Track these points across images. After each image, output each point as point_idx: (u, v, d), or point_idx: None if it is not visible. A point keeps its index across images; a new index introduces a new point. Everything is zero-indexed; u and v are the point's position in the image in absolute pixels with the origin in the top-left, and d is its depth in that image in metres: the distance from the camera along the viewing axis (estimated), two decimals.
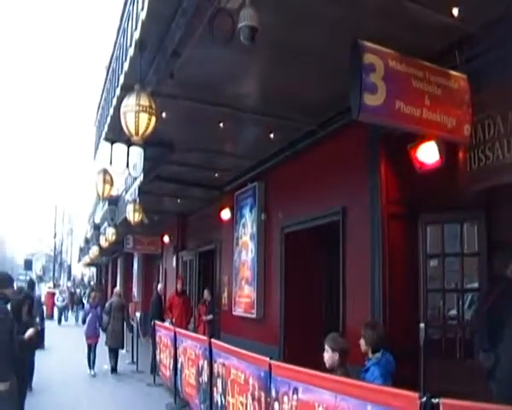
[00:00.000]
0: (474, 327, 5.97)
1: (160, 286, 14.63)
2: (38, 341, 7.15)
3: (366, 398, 3.59)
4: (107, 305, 13.85)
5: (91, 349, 12.99)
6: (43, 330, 14.04)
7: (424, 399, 2.94)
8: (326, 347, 4.83)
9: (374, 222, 6.66)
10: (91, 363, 12.88)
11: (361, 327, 5.15)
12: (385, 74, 4.40)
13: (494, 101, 5.24)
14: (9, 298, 6.11)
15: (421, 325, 6.19)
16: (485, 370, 5.13)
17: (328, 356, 4.81)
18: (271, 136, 8.36)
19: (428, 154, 6.19)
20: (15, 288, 6.47)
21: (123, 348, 13.85)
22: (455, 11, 4.74)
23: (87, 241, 34.59)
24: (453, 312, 6.68)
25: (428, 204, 6.57)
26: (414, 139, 6.11)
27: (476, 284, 6.40)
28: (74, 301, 31.74)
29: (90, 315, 13.60)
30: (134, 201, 12.03)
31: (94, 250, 26.56)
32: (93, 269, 53.56)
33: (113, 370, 13.02)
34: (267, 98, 7.09)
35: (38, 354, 9.72)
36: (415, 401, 3.02)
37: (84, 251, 39.41)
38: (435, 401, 2.89)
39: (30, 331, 6.27)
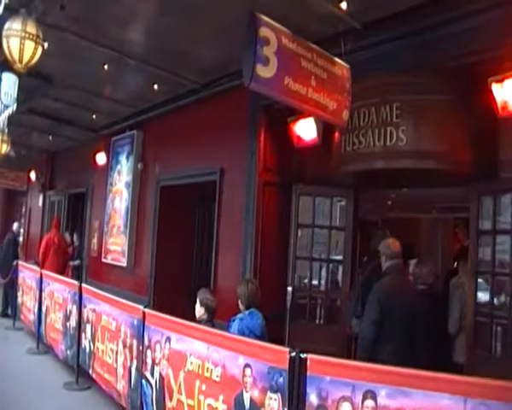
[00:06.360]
0: (350, 295, 6.46)
1: (15, 225, 13.24)
2: None
3: (238, 350, 3.85)
4: None
5: None
6: None
7: (294, 354, 3.30)
8: (197, 299, 5.10)
9: (250, 186, 6.94)
10: None
11: (231, 286, 5.44)
12: (277, 50, 4.46)
13: (370, 93, 5.78)
14: None
15: (289, 288, 6.58)
16: (354, 334, 5.76)
17: (197, 309, 5.12)
18: (155, 87, 8.33)
19: (306, 130, 6.64)
20: None
21: None
22: (343, 5, 5.13)
23: None
24: (316, 281, 7.20)
25: (302, 177, 6.99)
26: (294, 113, 6.45)
27: (341, 257, 6.94)
28: None
29: None
30: (2, 131, 11.41)
31: None
32: None
33: None
34: (155, 49, 7.03)
35: None
36: (285, 355, 3.36)
37: None
38: (303, 356, 3.26)
39: None
